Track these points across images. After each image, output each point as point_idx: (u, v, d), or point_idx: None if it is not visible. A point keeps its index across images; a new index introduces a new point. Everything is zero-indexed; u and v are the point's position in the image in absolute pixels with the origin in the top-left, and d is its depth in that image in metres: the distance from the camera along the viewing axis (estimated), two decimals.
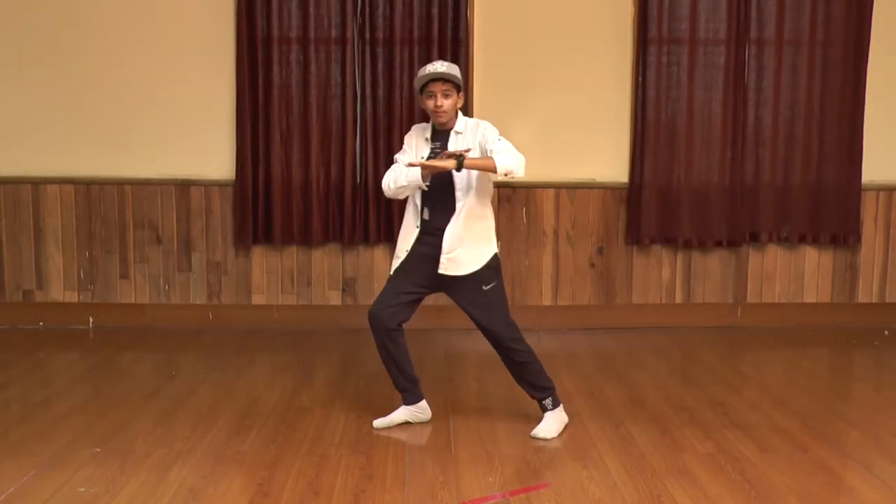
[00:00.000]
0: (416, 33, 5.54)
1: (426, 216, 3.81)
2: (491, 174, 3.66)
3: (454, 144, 3.75)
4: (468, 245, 3.73)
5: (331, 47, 5.55)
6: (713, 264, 5.90)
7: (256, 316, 5.78)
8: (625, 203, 5.81)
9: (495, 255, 3.82)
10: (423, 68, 3.78)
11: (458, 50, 5.49)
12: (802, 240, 5.88)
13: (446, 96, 3.71)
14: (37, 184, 5.68)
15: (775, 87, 5.71)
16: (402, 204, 5.55)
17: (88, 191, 5.70)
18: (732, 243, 5.81)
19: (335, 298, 5.80)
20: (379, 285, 5.69)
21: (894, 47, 5.79)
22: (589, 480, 3.36)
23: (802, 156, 5.77)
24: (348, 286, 5.79)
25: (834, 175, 5.79)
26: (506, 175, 3.56)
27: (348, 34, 5.53)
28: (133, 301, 5.77)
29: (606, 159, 5.80)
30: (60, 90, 5.61)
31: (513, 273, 5.76)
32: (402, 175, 3.74)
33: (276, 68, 5.55)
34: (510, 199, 5.73)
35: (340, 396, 4.36)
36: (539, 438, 3.79)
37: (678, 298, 5.91)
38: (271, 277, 5.78)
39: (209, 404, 4.21)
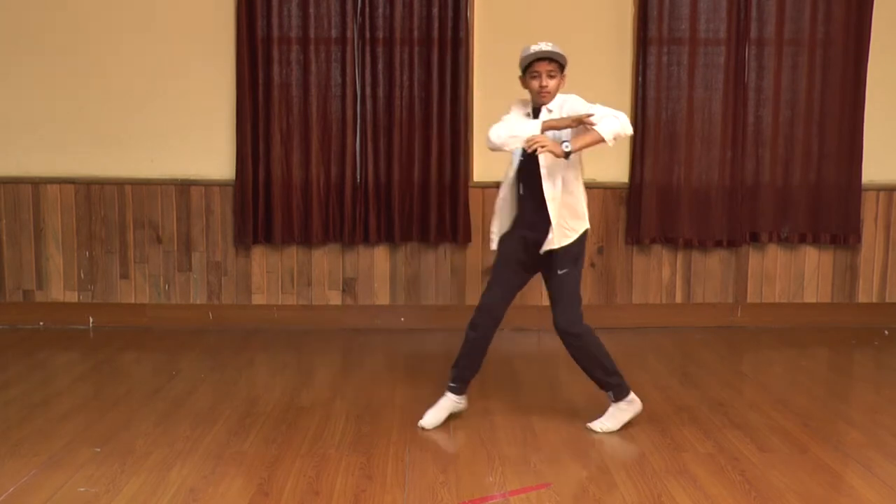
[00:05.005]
0: (416, 33, 5.54)
1: (521, 191, 3.73)
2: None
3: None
4: (567, 217, 3.64)
5: (331, 47, 5.55)
6: (713, 264, 5.89)
7: (256, 316, 5.78)
8: (625, 203, 5.81)
9: (584, 233, 3.71)
10: (526, 48, 3.65)
11: (458, 50, 5.49)
12: (802, 240, 5.87)
13: (551, 77, 3.61)
14: (37, 184, 5.68)
15: (775, 87, 5.70)
16: (403, 204, 5.64)
17: (88, 191, 5.70)
18: (732, 243, 5.80)
19: (335, 298, 5.80)
20: (379, 285, 5.71)
21: (894, 47, 5.80)
22: (589, 480, 3.36)
23: (802, 156, 5.77)
24: (348, 286, 5.79)
25: (834, 175, 5.79)
26: (615, 139, 3.44)
27: (348, 34, 5.53)
28: (133, 301, 5.77)
29: (606, 159, 5.78)
30: (61, 90, 5.61)
31: None
32: (517, 126, 3.58)
33: (276, 68, 5.54)
34: None
35: (340, 396, 4.36)
36: (591, 430, 3.81)
37: (678, 298, 5.91)
38: (271, 277, 5.78)
39: (209, 404, 4.21)
